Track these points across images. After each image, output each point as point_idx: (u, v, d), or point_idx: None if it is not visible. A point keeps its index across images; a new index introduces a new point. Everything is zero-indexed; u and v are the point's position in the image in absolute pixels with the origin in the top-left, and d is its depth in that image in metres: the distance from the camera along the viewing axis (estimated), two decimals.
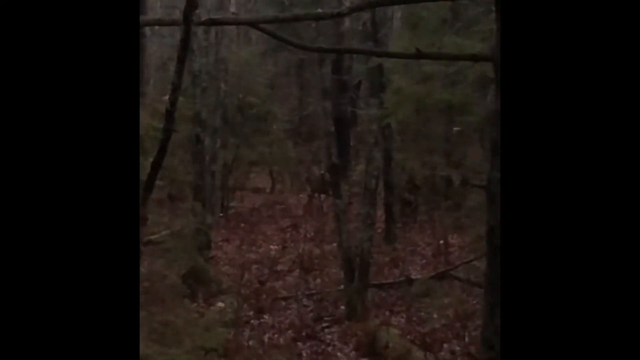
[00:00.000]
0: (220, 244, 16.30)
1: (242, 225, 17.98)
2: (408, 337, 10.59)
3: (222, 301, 12.68)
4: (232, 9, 17.61)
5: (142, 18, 8.86)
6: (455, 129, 12.88)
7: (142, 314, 11.29)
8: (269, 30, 7.49)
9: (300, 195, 19.84)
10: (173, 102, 4.95)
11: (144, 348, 8.44)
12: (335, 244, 13.98)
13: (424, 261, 14.45)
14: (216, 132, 16.34)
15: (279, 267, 14.70)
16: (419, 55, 7.12)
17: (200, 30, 14.29)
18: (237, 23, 15.19)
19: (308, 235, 16.35)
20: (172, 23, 8.64)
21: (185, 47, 4.95)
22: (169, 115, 4.99)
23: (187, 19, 4.85)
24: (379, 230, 15.67)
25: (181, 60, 4.89)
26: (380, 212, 15.43)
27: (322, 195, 18.05)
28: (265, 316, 12.00)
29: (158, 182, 15.84)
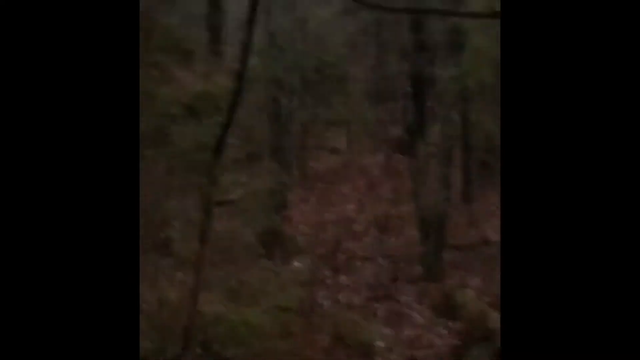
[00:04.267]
0: (297, 203, 16.34)
1: (319, 184, 18.00)
2: (484, 298, 10.52)
3: (298, 261, 12.73)
4: None
5: None
6: None
7: (219, 273, 11.47)
8: None
9: (377, 156, 19.74)
10: (243, 63, 4.94)
11: (219, 307, 8.54)
12: (411, 205, 13.91)
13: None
14: (293, 92, 16.32)
15: (355, 228, 14.70)
16: (498, 14, 6.96)
17: None
18: None
19: (385, 196, 16.32)
20: None
21: (254, 6, 4.93)
22: (239, 76, 4.99)
23: None
24: (457, 191, 15.55)
25: (250, 20, 4.88)
26: (458, 173, 15.31)
27: (400, 156, 17.94)
28: (341, 276, 12.02)
29: (235, 142, 16.04)
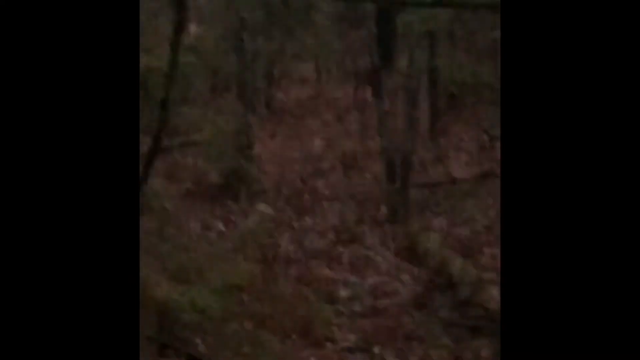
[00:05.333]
0: (264, 139, 16.23)
1: (287, 118, 17.89)
2: (449, 240, 10.49)
3: (264, 201, 12.67)
4: None
5: None
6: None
7: (189, 214, 11.41)
8: None
9: (347, 87, 19.59)
10: None
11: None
12: (377, 141, 13.79)
13: (469, 158, 14.26)
14: (257, 27, 16.05)
15: (323, 165, 14.64)
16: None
17: None
18: None
19: (352, 131, 16.23)
20: None
21: None
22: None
23: None
24: (425, 125, 15.48)
25: None
26: (425, 106, 15.21)
27: (368, 88, 17.79)
28: (307, 218, 11.98)
29: (202, 76, 15.82)
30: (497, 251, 10.13)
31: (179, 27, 5.93)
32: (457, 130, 15.51)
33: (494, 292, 8.38)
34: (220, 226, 11.32)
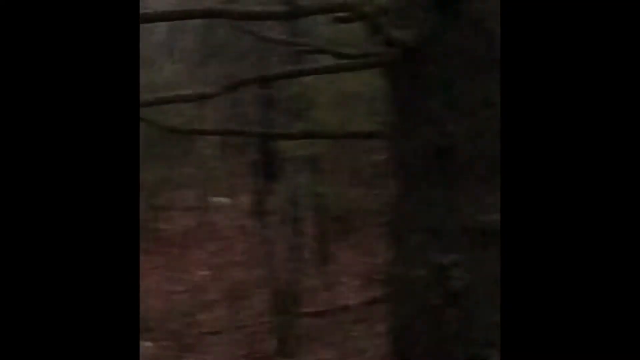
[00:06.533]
0: (150, 271, 15.75)
1: (173, 250, 17.44)
2: None
3: (149, 340, 12.18)
4: None
5: None
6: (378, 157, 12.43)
7: None
8: None
9: (232, 215, 19.30)
10: None
11: None
12: (264, 270, 13.51)
13: (358, 282, 14.03)
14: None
15: (209, 297, 14.21)
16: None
17: None
18: None
19: (239, 259, 15.89)
20: None
21: None
22: None
23: None
24: (312, 251, 15.27)
25: None
26: (312, 232, 15.05)
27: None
28: (189, 356, 11.53)
29: None
30: None
31: None
32: (346, 256, 15.31)
33: None
34: None
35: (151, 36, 24.89)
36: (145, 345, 11.87)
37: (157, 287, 14.78)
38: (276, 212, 15.01)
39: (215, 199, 13.48)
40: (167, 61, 23.46)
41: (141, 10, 4.00)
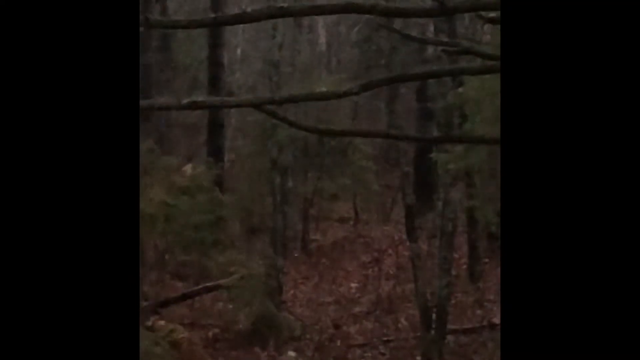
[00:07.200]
0: (300, 281, 15.79)
1: (323, 260, 17.39)
2: None
3: (294, 349, 12.14)
4: None
5: None
6: None
7: None
8: None
9: (385, 227, 19.12)
10: None
11: None
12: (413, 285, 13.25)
13: None
14: (287, 169, 15.64)
15: (357, 309, 14.06)
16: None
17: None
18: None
19: (390, 272, 15.70)
20: None
21: None
22: None
23: None
24: (464, 267, 14.97)
25: None
26: (465, 248, 14.77)
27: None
28: None
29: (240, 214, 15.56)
30: None
31: None
32: (497, 273, 14.90)
33: None
34: None
35: (314, 47, 25.21)
36: (289, 354, 11.84)
37: (306, 296, 14.78)
38: (428, 226, 14.79)
39: None
40: (326, 72, 23.61)
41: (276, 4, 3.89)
